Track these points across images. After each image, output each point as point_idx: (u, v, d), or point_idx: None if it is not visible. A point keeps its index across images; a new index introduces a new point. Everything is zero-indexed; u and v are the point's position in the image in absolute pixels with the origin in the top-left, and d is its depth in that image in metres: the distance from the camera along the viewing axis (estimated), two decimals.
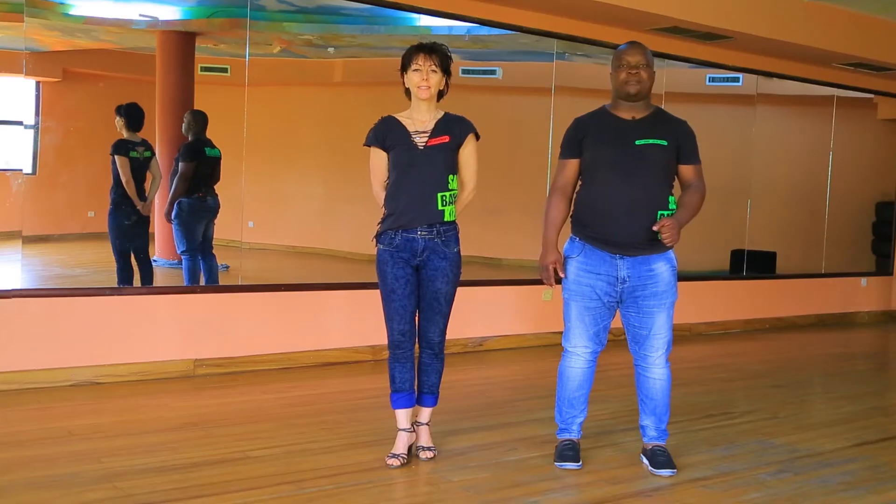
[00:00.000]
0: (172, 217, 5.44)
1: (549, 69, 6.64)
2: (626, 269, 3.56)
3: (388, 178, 3.62)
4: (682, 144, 3.60)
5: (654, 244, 3.54)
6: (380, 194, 3.68)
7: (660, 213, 3.50)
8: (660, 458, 3.67)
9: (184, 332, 5.16)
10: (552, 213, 3.70)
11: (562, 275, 3.67)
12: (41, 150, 5.00)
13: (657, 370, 3.68)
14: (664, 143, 3.55)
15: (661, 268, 3.57)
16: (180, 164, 5.41)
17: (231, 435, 3.97)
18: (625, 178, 3.51)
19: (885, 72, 8.39)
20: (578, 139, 3.66)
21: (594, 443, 4.01)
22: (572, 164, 3.68)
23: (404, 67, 3.58)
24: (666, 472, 3.63)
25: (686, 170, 3.63)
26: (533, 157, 6.74)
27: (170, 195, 5.40)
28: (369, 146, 3.65)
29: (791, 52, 7.56)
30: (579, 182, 3.71)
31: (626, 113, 3.60)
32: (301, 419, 4.30)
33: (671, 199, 3.57)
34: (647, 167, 3.52)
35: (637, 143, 3.54)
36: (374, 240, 3.65)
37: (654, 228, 3.43)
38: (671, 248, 3.59)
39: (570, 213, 3.73)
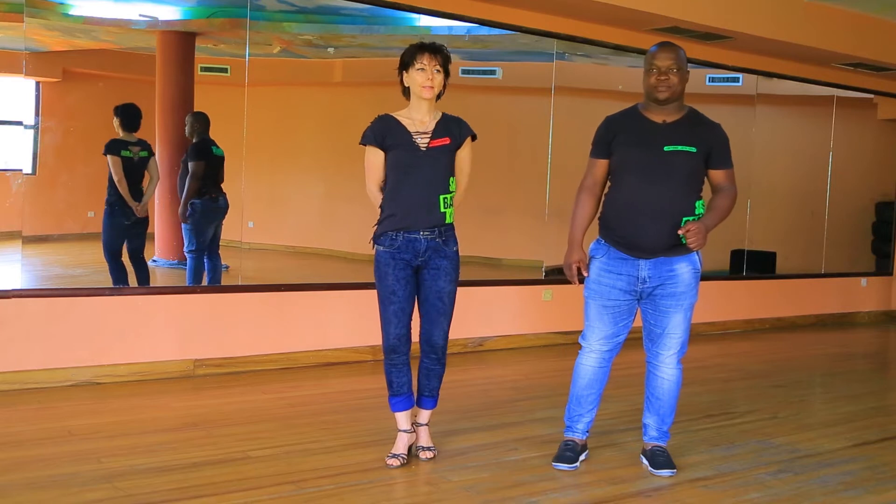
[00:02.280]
0: (192, 218, 5.44)
1: (548, 69, 6.64)
2: (648, 269, 3.56)
3: (386, 178, 3.59)
4: (714, 149, 3.57)
5: (677, 248, 3.52)
6: (376, 195, 3.63)
7: (685, 219, 3.48)
8: (659, 459, 3.67)
9: (184, 332, 5.16)
10: (579, 211, 3.68)
11: (585, 274, 3.65)
12: (41, 150, 5.00)
13: (667, 369, 3.68)
14: (693, 149, 3.50)
15: (683, 269, 3.56)
16: (190, 163, 5.40)
17: (231, 435, 3.97)
18: (651, 184, 3.49)
19: (885, 72, 8.39)
20: (608, 140, 3.62)
21: (594, 443, 4.01)
22: (601, 164, 3.66)
23: (405, 66, 3.54)
24: (666, 472, 3.63)
25: (716, 174, 3.61)
26: (533, 157, 6.74)
27: (183, 196, 5.40)
28: (367, 145, 3.59)
29: (791, 52, 7.56)
30: (609, 182, 3.70)
31: (658, 115, 3.56)
32: (301, 419, 4.30)
33: (699, 203, 3.55)
34: (675, 174, 3.49)
35: (666, 149, 3.50)
36: (372, 241, 3.61)
37: (680, 233, 3.41)
38: (694, 251, 3.56)
39: (599, 213, 3.71)
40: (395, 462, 3.60)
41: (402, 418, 3.68)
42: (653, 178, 3.49)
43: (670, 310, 3.60)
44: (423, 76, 3.49)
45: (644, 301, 3.64)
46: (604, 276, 3.61)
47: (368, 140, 3.58)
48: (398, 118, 3.57)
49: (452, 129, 3.59)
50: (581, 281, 3.69)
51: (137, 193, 5.24)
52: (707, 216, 3.52)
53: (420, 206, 3.52)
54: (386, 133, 3.55)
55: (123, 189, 5.16)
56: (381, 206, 3.61)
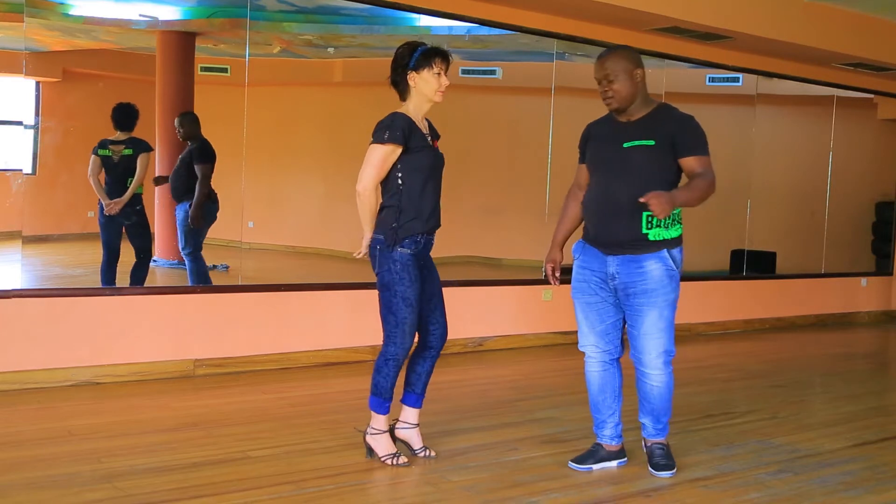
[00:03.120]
0: (188, 219, 5.42)
1: (548, 69, 6.64)
2: (616, 265, 3.56)
3: (404, 179, 3.49)
4: (678, 139, 3.50)
5: (642, 245, 3.51)
6: (372, 193, 3.49)
7: (645, 214, 3.47)
8: (658, 460, 3.66)
9: (183, 332, 5.16)
10: (562, 214, 3.83)
11: (558, 274, 3.75)
12: (41, 150, 5.00)
13: (653, 373, 3.60)
14: (651, 143, 3.51)
15: (652, 266, 3.52)
16: (201, 166, 5.38)
17: (231, 435, 3.97)
18: (611, 180, 3.54)
19: (885, 72, 8.39)
20: (583, 144, 3.75)
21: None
22: (583, 169, 3.75)
23: (417, 67, 3.50)
24: (665, 473, 3.62)
25: (686, 162, 3.52)
26: (533, 157, 6.74)
27: (197, 197, 5.38)
28: (392, 143, 3.43)
29: (791, 52, 7.56)
30: None
31: (624, 116, 3.60)
32: (301, 419, 4.30)
33: None
34: (633, 170, 3.50)
35: (625, 145, 3.53)
36: (394, 244, 3.49)
37: (641, 200, 3.32)
38: (664, 249, 3.51)
39: None
40: (404, 459, 3.61)
41: (386, 420, 3.68)
42: (613, 175, 3.54)
43: (643, 308, 3.54)
44: (439, 81, 3.52)
45: (621, 302, 3.63)
46: (580, 272, 3.68)
47: (397, 139, 3.43)
48: (412, 118, 3.52)
49: (435, 131, 3.67)
50: (559, 282, 3.79)
51: (120, 192, 5.22)
52: (679, 190, 3.44)
53: (438, 208, 3.60)
54: (410, 133, 3.48)
55: (94, 187, 5.17)
56: (399, 208, 3.49)
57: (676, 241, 3.56)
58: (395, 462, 3.60)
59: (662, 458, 3.68)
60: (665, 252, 3.53)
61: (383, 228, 3.53)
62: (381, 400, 3.62)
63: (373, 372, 3.62)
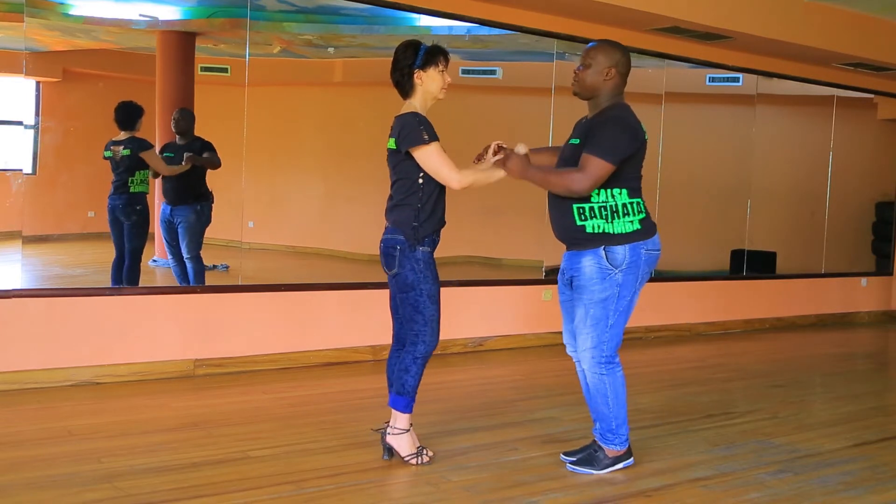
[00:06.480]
0: (199, 223, 5.43)
1: (548, 69, 6.63)
2: (565, 261, 3.66)
3: (424, 177, 3.49)
4: (589, 136, 3.48)
5: (581, 239, 3.54)
6: (464, 174, 3.51)
7: (575, 206, 3.50)
8: (581, 454, 3.69)
9: (184, 332, 5.16)
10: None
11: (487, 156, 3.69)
12: (41, 150, 5.00)
13: (586, 368, 3.63)
14: (576, 141, 3.56)
15: (586, 262, 3.53)
16: (214, 154, 5.39)
17: (231, 435, 3.97)
18: None
19: (885, 72, 8.39)
20: None
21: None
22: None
23: (424, 65, 3.52)
24: (575, 467, 3.64)
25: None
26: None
27: (208, 160, 5.41)
28: (434, 140, 3.45)
29: (791, 52, 7.56)
30: None
31: (590, 112, 3.64)
32: (301, 419, 4.30)
33: (607, 192, 3.46)
34: (564, 166, 3.58)
35: (570, 142, 3.62)
36: (416, 242, 3.52)
37: (498, 147, 3.57)
38: (601, 246, 3.48)
39: None
40: (431, 453, 3.67)
41: (409, 419, 3.67)
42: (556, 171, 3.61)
43: (576, 303, 3.62)
44: (443, 78, 3.56)
45: None
46: (559, 273, 3.75)
47: (434, 135, 3.46)
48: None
49: None
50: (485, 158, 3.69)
51: (122, 190, 5.22)
52: (537, 167, 3.57)
53: (445, 205, 3.62)
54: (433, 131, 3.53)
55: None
56: (418, 207, 3.51)
57: (624, 238, 3.48)
58: (420, 461, 3.60)
59: (585, 457, 3.67)
60: (601, 249, 3.50)
61: (403, 228, 3.52)
62: (408, 399, 3.61)
63: (398, 372, 3.61)
